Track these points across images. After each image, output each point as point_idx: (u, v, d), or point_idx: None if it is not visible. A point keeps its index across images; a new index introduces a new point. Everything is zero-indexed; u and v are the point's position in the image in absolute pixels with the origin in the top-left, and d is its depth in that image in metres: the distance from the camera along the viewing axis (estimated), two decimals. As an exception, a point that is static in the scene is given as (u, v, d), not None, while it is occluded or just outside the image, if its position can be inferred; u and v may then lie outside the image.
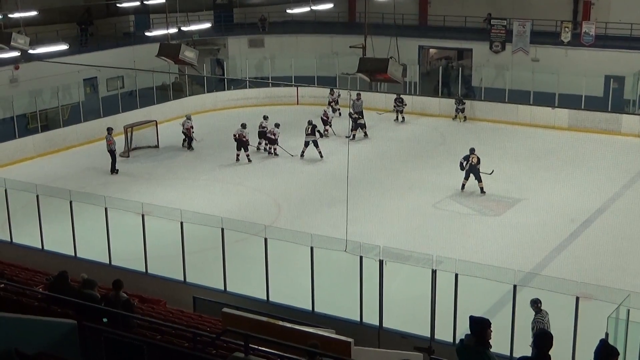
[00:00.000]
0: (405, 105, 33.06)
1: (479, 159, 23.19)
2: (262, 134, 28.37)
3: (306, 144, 27.35)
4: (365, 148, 29.08)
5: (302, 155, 27.47)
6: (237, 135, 27.39)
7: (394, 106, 33.19)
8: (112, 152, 26.48)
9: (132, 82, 33.17)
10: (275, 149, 28.12)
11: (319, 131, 27.93)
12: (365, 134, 30.56)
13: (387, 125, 32.63)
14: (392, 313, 14.52)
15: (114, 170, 26.50)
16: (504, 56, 36.24)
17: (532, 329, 13.13)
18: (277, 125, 27.94)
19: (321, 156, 27.30)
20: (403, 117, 33.15)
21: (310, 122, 27.42)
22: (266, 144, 28.32)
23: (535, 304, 13.28)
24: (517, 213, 22.09)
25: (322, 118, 30.65)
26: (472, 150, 23.31)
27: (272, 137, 27.98)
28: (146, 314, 12.93)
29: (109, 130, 26.65)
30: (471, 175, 23.32)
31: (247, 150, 27.51)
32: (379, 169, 26.26)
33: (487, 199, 22.97)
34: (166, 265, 16.93)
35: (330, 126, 30.76)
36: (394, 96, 33.24)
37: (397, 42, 16.06)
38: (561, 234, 20.27)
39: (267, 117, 28.50)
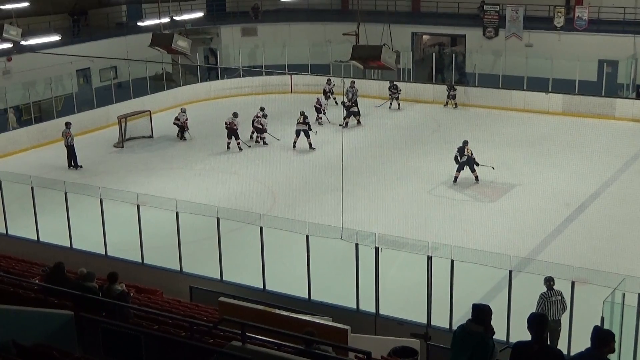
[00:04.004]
0: (400, 91, 33.04)
1: (471, 151, 23.11)
2: (259, 130, 28.28)
3: (297, 133, 27.30)
4: (360, 135, 29.08)
5: (294, 146, 27.41)
6: (228, 123, 27.39)
7: (389, 94, 33.16)
8: (70, 147, 25.91)
9: (125, 72, 33.06)
10: (264, 138, 28.11)
11: (308, 122, 27.73)
12: (359, 122, 30.53)
13: (382, 113, 32.62)
14: (389, 300, 14.55)
15: (72, 166, 25.85)
16: (497, 42, 36.18)
17: (537, 303, 13.32)
18: (264, 116, 27.96)
19: (311, 147, 27.25)
20: (399, 104, 33.12)
21: (302, 113, 27.35)
22: (257, 135, 28.27)
23: (548, 281, 13.37)
24: (512, 199, 22.13)
25: (315, 106, 30.61)
26: (465, 143, 23.04)
27: (260, 126, 27.95)
28: (143, 304, 12.95)
29: (67, 124, 26.16)
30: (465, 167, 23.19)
31: (238, 138, 27.47)
32: (373, 157, 26.28)
33: (482, 185, 22.98)
34: (162, 256, 16.92)
35: (324, 114, 30.72)
36: (388, 83, 33.22)
37: (390, 29, 16.02)
38: (556, 219, 20.31)
39: (264, 108, 28.43)
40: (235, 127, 27.32)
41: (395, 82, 33.08)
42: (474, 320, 7.85)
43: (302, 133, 27.21)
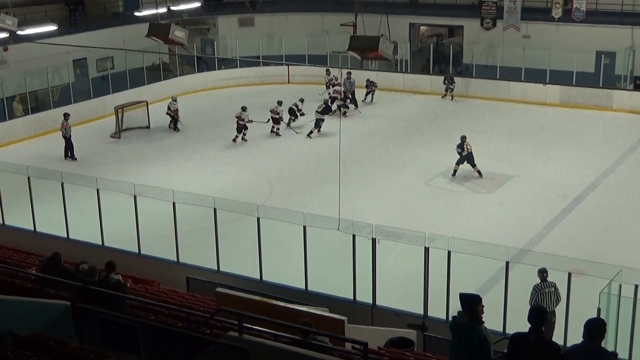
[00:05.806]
0: (376, 86, 32.75)
1: (470, 146, 23.04)
2: (275, 120, 28.02)
3: (316, 123, 27.42)
4: (358, 126, 29.04)
5: (309, 135, 27.42)
6: (238, 118, 27.13)
7: (367, 91, 32.88)
8: (67, 138, 25.85)
9: (122, 62, 32.96)
10: (278, 129, 28.00)
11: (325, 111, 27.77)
12: (344, 114, 30.45)
13: (379, 104, 32.58)
14: (386, 291, 14.56)
15: (68, 156, 25.85)
16: (495, 33, 36.14)
17: (531, 294, 13.34)
18: (279, 103, 27.94)
19: (309, 135, 27.36)
20: (372, 98, 32.84)
21: (326, 102, 27.33)
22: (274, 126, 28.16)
23: (541, 273, 13.38)
24: (509, 190, 22.13)
25: (331, 96, 30.48)
26: (463, 138, 22.92)
27: (276, 116, 27.83)
28: (140, 294, 12.95)
29: (65, 115, 26.06)
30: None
31: (241, 132, 27.26)
32: (371, 147, 26.27)
33: (479, 177, 22.96)
34: (159, 246, 16.91)
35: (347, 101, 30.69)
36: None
37: (388, 20, 15.98)
38: (553, 211, 20.32)
39: (282, 102, 28.23)
40: (242, 121, 27.11)
41: (371, 79, 32.81)
42: (462, 309, 7.97)
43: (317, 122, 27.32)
